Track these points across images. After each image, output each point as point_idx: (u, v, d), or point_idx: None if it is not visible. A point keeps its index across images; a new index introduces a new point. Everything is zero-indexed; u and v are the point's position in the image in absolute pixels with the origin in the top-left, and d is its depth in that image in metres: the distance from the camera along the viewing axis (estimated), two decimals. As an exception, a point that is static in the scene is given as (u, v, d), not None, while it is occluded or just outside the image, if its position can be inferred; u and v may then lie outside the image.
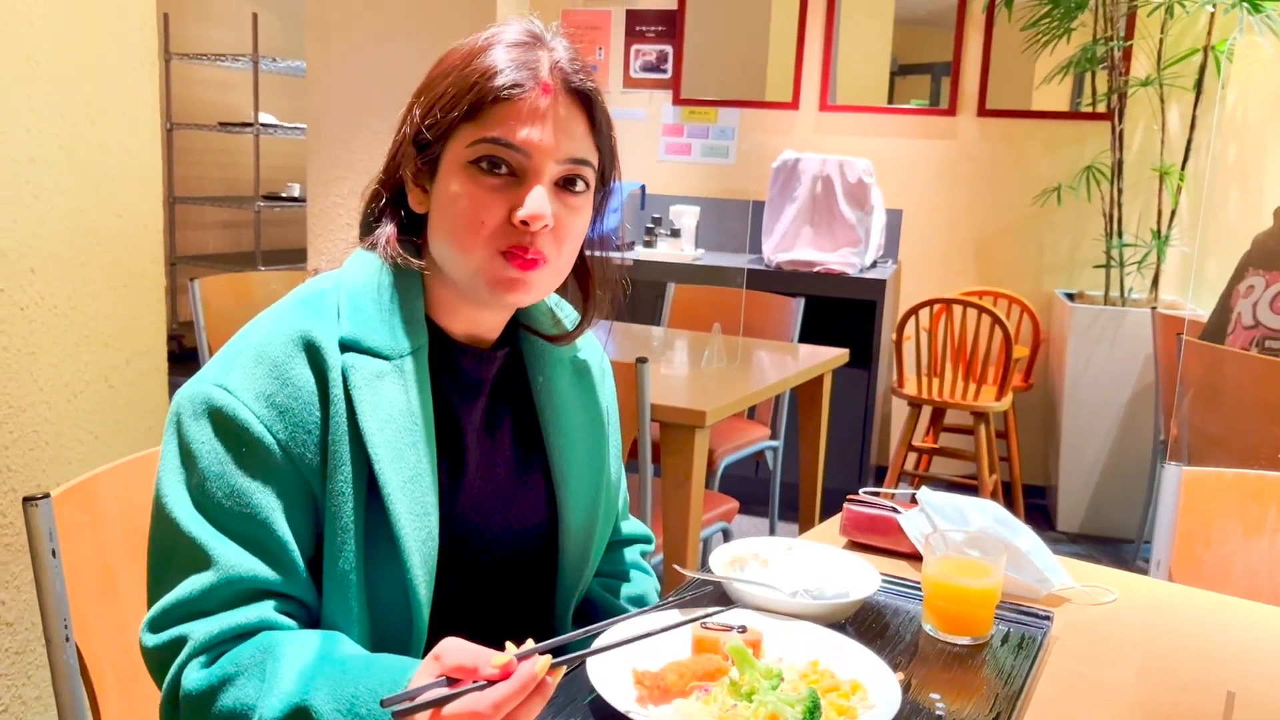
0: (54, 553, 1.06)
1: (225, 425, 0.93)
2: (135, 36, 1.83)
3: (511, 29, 1.00)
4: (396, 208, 1.04)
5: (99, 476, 1.16)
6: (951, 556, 1.10)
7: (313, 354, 0.95)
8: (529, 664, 0.79)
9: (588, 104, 1.00)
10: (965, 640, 1.09)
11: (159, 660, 0.91)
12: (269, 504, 0.92)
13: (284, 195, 5.83)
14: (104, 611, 1.12)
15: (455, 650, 0.81)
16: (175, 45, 5.56)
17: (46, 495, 1.06)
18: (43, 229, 1.66)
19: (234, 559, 0.90)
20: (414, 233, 1.04)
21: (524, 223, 0.96)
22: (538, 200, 0.96)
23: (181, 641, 0.90)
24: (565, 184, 0.99)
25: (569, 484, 1.11)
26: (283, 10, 6.02)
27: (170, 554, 0.93)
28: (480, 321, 1.06)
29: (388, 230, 1.03)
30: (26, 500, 1.05)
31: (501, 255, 0.97)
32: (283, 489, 0.93)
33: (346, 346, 0.96)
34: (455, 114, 0.96)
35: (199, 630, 0.89)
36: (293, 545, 0.93)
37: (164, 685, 0.91)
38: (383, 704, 0.80)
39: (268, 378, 0.93)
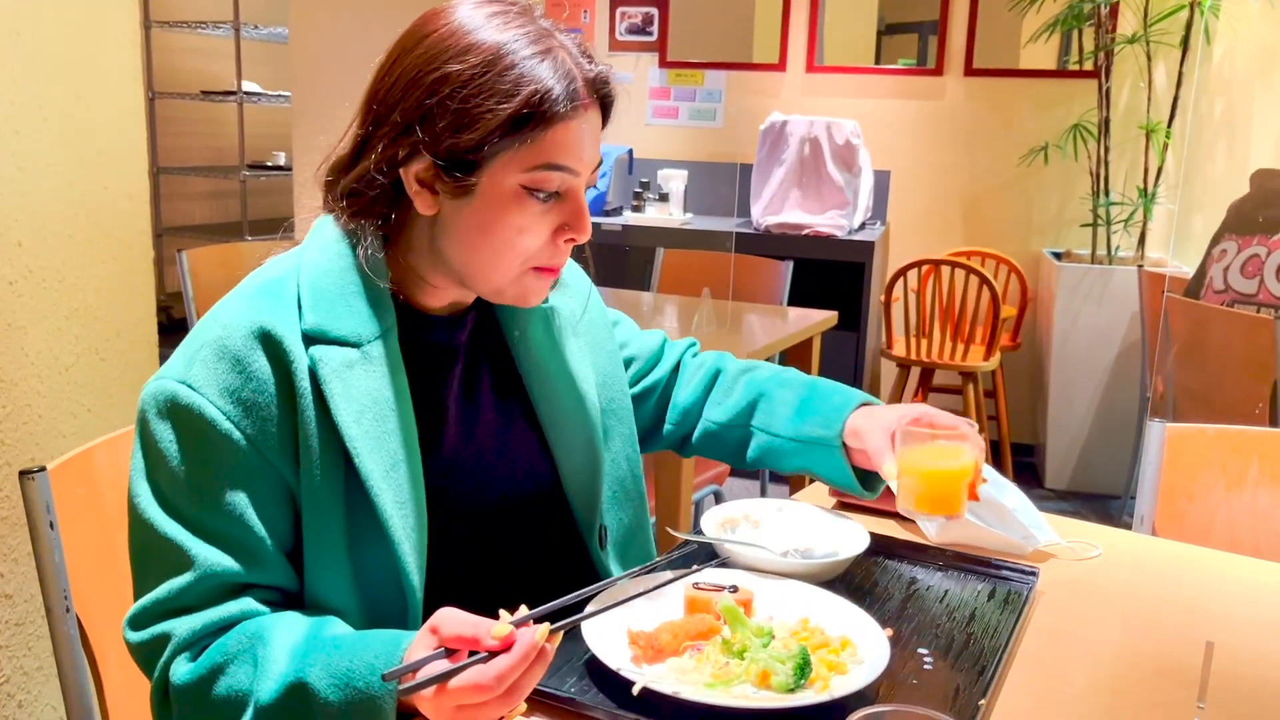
0: (52, 525, 1.07)
1: (191, 423, 0.91)
2: (116, 5, 1.81)
3: (513, 23, 0.94)
4: (387, 196, 0.97)
5: (94, 449, 1.17)
6: (925, 444, 1.09)
7: (272, 347, 0.92)
8: (528, 633, 0.79)
9: (606, 109, 1.00)
10: (939, 519, 1.09)
11: (144, 655, 0.92)
12: (241, 499, 0.91)
13: (269, 164, 5.79)
14: (103, 582, 1.13)
15: (452, 621, 0.81)
16: (155, 13, 5.49)
17: (43, 468, 1.07)
18: (29, 202, 1.65)
19: (210, 557, 0.90)
20: (393, 221, 0.99)
21: (570, 240, 0.98)
22: (589, 221, 0.99)
23: (165, 638, 0.90)
24: None
25: (561, 430, 1.11)
26: (263, -24, 5.94)
27: (148, 554, 0.93)
28: (464, 296, 1.05)
29: (382, 233, 0.98)
30: (23, 474, 1.06)
31: (534, 270, 0.99)
32: (254, 483, 0.92)
33: (311, 338, 0.93)
34: (510, 139, 0.92)
35: (181, 626, 0.90)
36: (268, 538, 0.92)
37: (152, 679, 0.91)
38: (384, 678, 0.80)
39: (231, 372, 0.91)
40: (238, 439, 0.91)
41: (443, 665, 0.79)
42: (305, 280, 0.96)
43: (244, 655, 0.88)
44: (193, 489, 0.91)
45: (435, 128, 0.92)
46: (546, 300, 1.12)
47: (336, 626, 0.91)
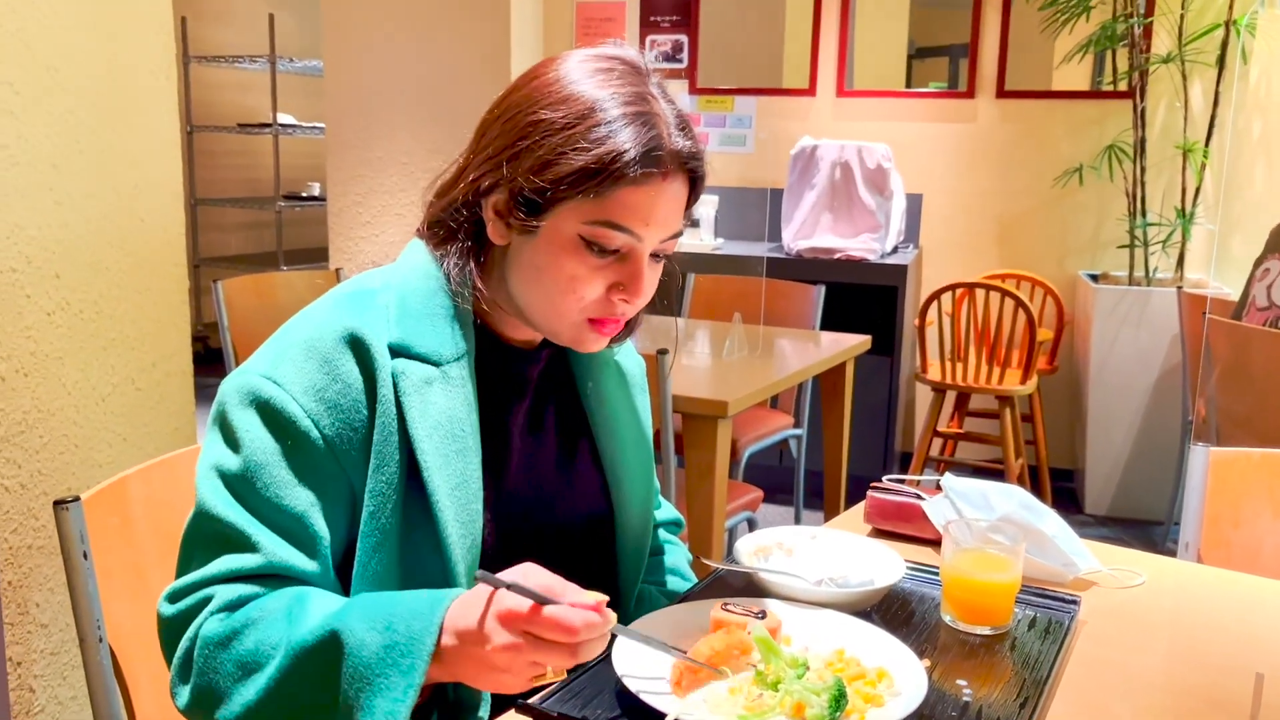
0: (85, 555, 1.07)
1: (272, 417, 0.93)
2: (154, 41, 1.84)
3: (615, 82, 0.96)
4: (472, 223, 1.01)
5: (128, 479, 1.17)
6: (970, 549, 1.09)
7: (361, 352, 0.95)
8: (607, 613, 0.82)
9: (694, 181, 1.01)
10: (985, 630, 1.08)
11: (177, 627, 0.92)
12: (308, 498, 0.93)
13: (304, 195, 5.86)
14: (136, 612, 1.13)
15: (539, 573, 0.84)
16: (193, 48, 5.60)
17: (77, 498, 1.07)
18: (67, 235, 1.68)
19: (273, 546, 0.91)
20: (482, 245, 1.02)
21: (623, 299, 0.98)
22: (647, 284, 0.99)
23: (206, 601, 0.91)
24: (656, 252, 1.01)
25: (625, 483, 1.14)
26: (299, 11, 6.05)
27: (204, 536, 0.93)
28: (536, 331, 1.07)
29: (464, 259, 1.01)
30: (57, 504, 1.06)
31: (589, 322, 1.00)
32: (323, 484, 0.94)
33: (396, 351, 0.97)
34: (575, 190, 0.94)
35: (225, 591, 0.90)
36: (327, 540, 0.94)
37: (180, 644, 0.91)
38: (477, 579, 0.83)
39: (318, 372, 0.94)
40: (316, 438, 0.93)
41: (544, 579, 0.82)
42: (394, 296, 1.00)
43: (279, 613, 0.88)
44: (263, 481, 0.92)
45: (519, 166, 0.96)
46: (616, 353, 1.16)
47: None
